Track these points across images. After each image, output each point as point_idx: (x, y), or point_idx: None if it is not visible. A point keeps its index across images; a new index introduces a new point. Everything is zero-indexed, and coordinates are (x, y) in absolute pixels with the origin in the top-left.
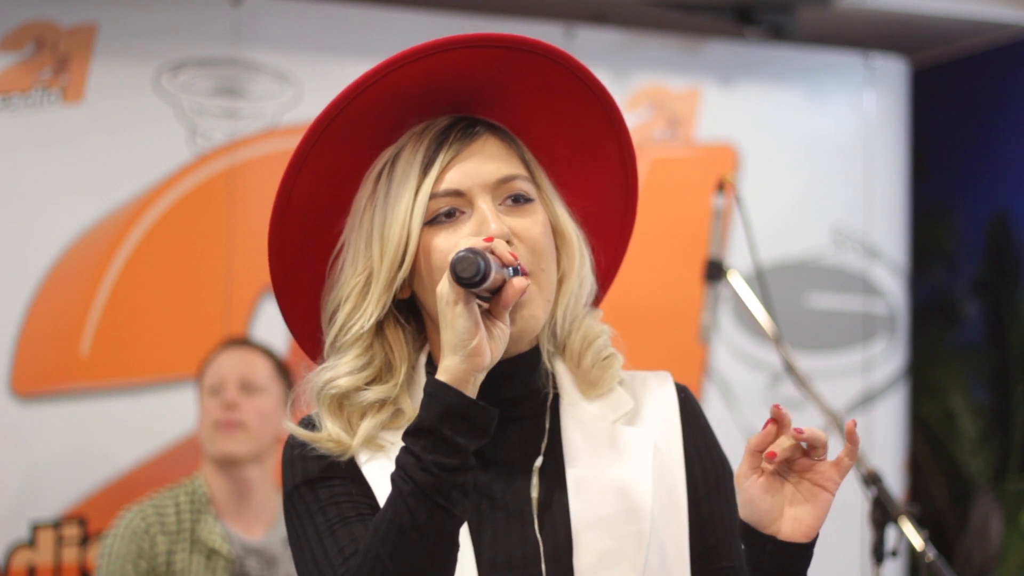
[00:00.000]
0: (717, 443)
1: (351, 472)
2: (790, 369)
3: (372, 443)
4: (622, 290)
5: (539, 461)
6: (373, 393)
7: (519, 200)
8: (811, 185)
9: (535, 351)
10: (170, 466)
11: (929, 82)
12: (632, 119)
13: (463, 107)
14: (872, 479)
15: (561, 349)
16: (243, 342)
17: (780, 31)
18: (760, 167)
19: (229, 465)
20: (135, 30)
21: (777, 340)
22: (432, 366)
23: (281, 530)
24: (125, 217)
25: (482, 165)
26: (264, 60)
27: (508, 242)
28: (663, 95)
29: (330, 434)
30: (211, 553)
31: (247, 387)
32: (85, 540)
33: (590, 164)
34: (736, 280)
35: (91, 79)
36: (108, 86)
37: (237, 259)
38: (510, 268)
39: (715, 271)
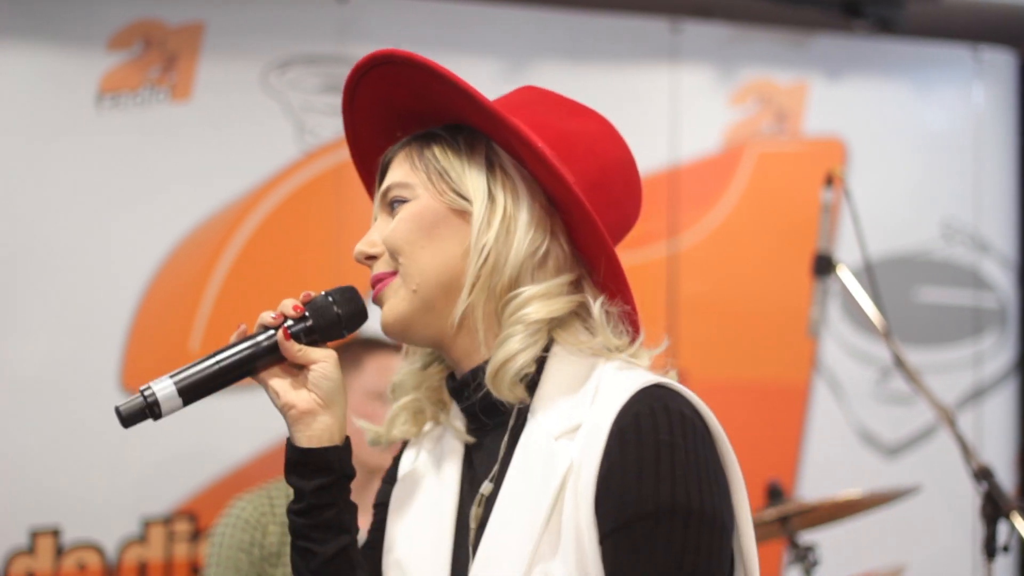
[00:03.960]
0: (649, 480)
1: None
2: (900, 364)
3: (400, 433)
4: (731, 285)
5: (485, 488)
6: (410, 383)
7: (394, 205)
8: (920, 179)
9: (483, 365)
10: (280, 462)
11: None
12: (739, 113)
13: (417, 120)
14: (983, 474)
15: None
16: (387, 344)
17: (888, 24)
18: (868, 161)
19: (374, 472)
20: (242, 28)
21: (886, 335)
22: (451, 375)
23: None
24: (233, 214)
25: (382, 185)
26: None
27: (370, 256)
28: (770, 89)
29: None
30: None
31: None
32: (196, 536)
33: (512, 147)
34: (845, 275)
35: (199, 77)
36: (216, 84)
37: (345, 255)
38: (274, 330)
39: (824, 265)
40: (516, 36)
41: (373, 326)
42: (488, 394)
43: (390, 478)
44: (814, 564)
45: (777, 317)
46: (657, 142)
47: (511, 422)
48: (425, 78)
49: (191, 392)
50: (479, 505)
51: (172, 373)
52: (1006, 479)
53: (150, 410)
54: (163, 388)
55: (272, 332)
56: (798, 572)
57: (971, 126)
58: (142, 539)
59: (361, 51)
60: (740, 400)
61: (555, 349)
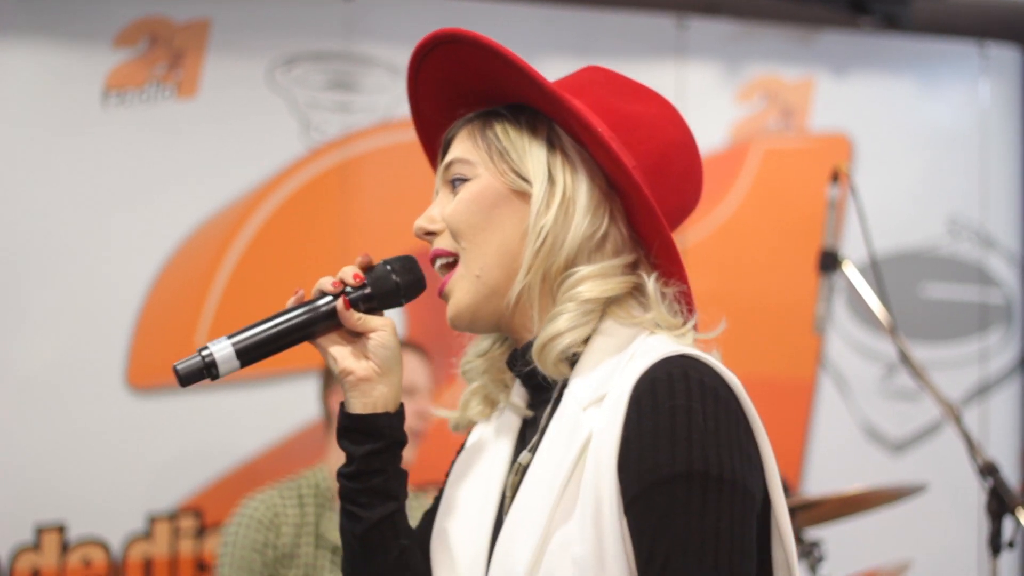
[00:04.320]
0: (665, 445)
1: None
2: (905, 359)
3: (469, 418)
4: (736, 281)
5: (523, 457)
6: (477, 368)
7: (456, 183)
8: (926, 175)
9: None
10: (286, 458)
11: None
12: (745, 110)
13: (481, 99)
14: (988, 470)
15: None
16: (403, 342)
17: (894, 21)
18: (874, 157)
19: None
20: (248, 25)
21: (892, 330)
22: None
23: None
24: (239, 211)
25: (444, 160)
26: (376, 54)
27: (430, 232)
28: (776, 86)
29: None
30: (336, 549)
31: (411, 393)
32: (201, 532)
33: (573, 129)
34: (851, 271)
35: (205, 74)
36: (221, 81)
37: (351, 252)
38: (332, 296)
39: (830, 261)
40: (523, 33)
41: None
42: (536, 369)
43: (461, 450)
44: (819, 560)
45: (783, 313)
46: None
47: (555, 395)
48: (488, 58)
49: (248, 353)
50: (516, 474)
51: (230, 335)
52: (1012, 475)
53: (208, 370)
54: (221, 349)
55: (331, 298)
56: (803, 567)
57: (977, 122)
58: (147, 535)
59: (367, 48)
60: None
61: (604, 325)
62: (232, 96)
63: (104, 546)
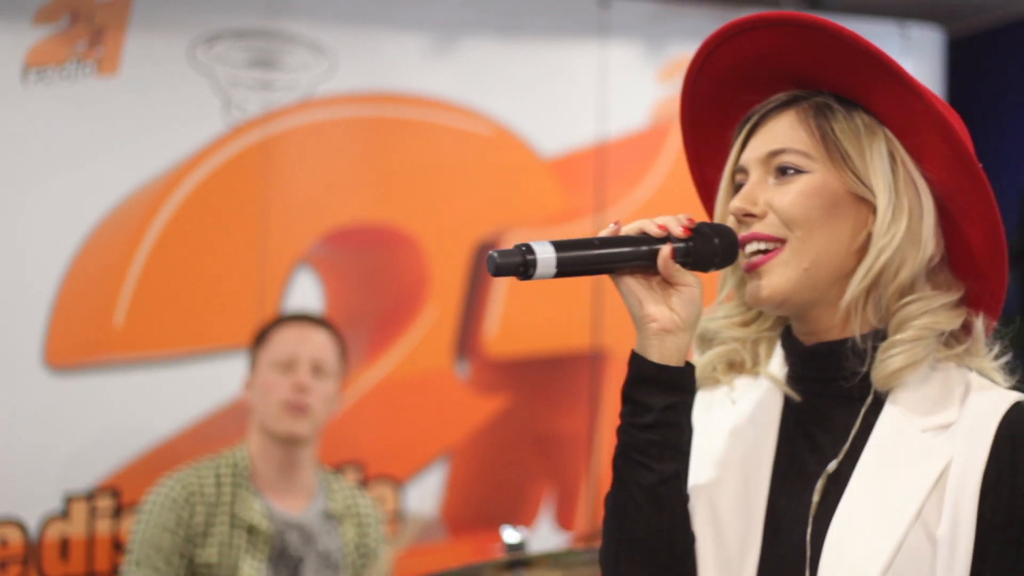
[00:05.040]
0: None
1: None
2: None
3: (709, 380)
4: None
5: (832, 467)
6: (729, 332)
7: (786, 172)
8: None
9: (843, 342)
10: (205, 437)
11: (965, 52)
12: (667, 89)
13: (806, 80)
14: None
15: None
16: (311, 318)
17: (816, 1)
18: None
19: (288, 444)
20: (169, 2)
21: None
22: (788, 334)
23: (319, 505)
24: (160, 189)
25: (763, 141)
26: (299, 31)
27: (750, 215)
28: None
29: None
30: (251, 529)
31: (318, 370)
32: (118, 511)
33: (918, 138)
34: None
35: (126, 51)
36: (143, 58)
37: (272, 230)
38: (657, 240)
39: None
40: (444, 12)
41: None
42: (834, 366)
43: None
44: None
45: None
46: (585, 118)
47: (867, 401)
48: (833, 50)
49: (566, 265)
50: (824, 479)
51: (553, 241)
52: None
53: (523, 267)
54: (544, 252)
55: (655, 242)
56: None
57: None
58: (64, 515)
59: (290, 25)
60: None
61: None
62: (153, 73)
63: (21, 526)
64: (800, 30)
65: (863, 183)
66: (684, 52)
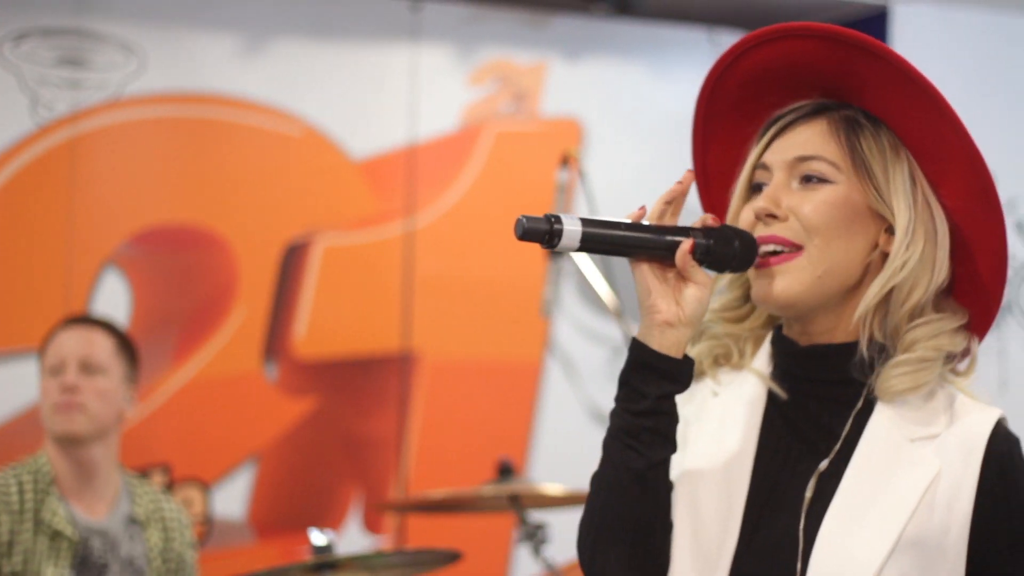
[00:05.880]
0: None
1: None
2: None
3: (696, 372)
4: (467, 264)
5: (824, 465)
6: (720, 327)
7: (810, 180)
8: (656, 160)
9: (847, 346)
10: (8, 442)
11: None
12: (477, 93)
13: (834, 91)
14: None
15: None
16: (84, 319)
17: (626, 6)
18: (605, 142)
19: (70, 444)
20: None
21: (619, 314)
22: (779, 334)
23: (123, 510)
24: None
25: (790, 145)
26: (108, 30)
27: (773, 216)
28: (509, 69)
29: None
30: (55, 535)
31: (87, 367)
32: None
33: (941, 164)
34: (579, 256)
35: None
36: None
37: (79, 231)
38: (681, 233)
39: None
40: (255, 13)
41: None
42: (828, 368)
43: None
44: (542, 543)
45: (512, 296)
46: (396, 120)
47: (858, 405)
48: (876, 67)
49: (591, 242)
50: (815, 478)
51: (582, 216)
52: None
53: (548, 236)
54: (572, 225)
55: (678, 233)
56: (528, 549)
57: None
58: None
59: (99, 24)
60: (474, 378)
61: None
62: None
63: None
64: (845, 46)
65: (884, 201)
66: (495, 56)
